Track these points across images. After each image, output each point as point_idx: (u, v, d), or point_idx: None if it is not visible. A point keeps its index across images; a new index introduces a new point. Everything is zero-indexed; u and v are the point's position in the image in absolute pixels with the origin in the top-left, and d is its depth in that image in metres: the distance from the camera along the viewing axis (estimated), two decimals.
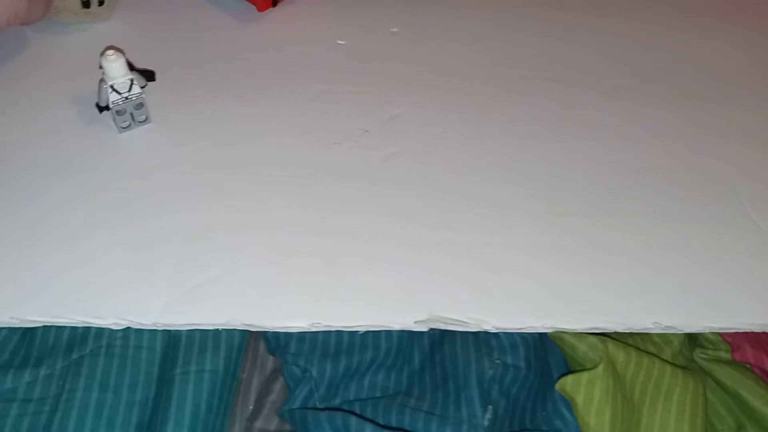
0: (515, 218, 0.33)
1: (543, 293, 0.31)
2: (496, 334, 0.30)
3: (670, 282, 0.31)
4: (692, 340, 0.32)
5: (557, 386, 0.28)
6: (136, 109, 0.35)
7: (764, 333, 0.31)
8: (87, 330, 0.30)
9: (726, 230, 0.34)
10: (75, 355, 0.29)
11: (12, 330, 0.30)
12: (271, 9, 0.43)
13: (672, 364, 0.30)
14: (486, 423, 0.27)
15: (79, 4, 0.39)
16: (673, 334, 0.31)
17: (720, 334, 0.31)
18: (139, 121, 0.36)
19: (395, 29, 0.43)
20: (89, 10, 0.40)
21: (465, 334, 0.30)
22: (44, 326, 0.30)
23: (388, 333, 0.31)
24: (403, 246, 0.32)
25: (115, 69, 0.33)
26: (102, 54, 0.33)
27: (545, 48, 0.43)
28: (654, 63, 0.42)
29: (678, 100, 0.40)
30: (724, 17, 0.46)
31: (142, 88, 0.35)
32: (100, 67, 0.34)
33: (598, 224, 0.33)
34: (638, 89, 0.40)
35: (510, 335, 0.30)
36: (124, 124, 0.35)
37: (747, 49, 0.44)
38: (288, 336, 0.31)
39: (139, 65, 0.38)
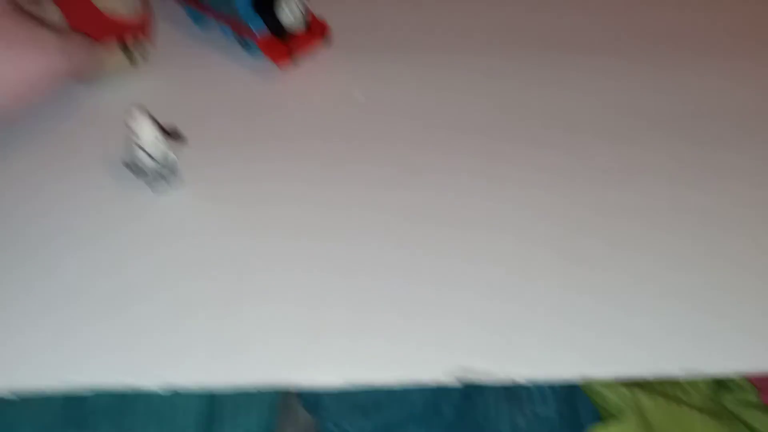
0: (528, 266, 0.34)
1: (571, 342, 0.31)
2: (526, 386, 0.30)
3: (693, 326, 0.32)
4: (720, 384, 0.32)
5: None
6: (168, 170, 0.36)
7: None
8: (126, 394, 0.30)
9: (743, 272, 0.34)
10: (116, 418, 0.30)
11: (53, 396, 0.31)
12: (290, 65, 0.44)
13: (701, 410, 0.30)
14: None
15: (123, 59, 0.41)
16: (701, 379, 0.31)
17: (747, 377, 0.31)
18: (170, 182, 0.37)
19: (413, 83, 0.44)
20: (131, 64, 0.41)
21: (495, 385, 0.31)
22: (87, 391, 0.31)
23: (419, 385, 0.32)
24: (430, 297, 0.33)
25: (146, 132, 0.34)
26: (132, 116, 0.34)
27: (548, 95, 0.43)
28: (657, 106, 0.43)
29: (681, 142, 0.41)
30: (730, 56, 0.46)
31: (172, 149, 0.36)
32: (131, 129, 0.35)
33: (616, 270, 0.34)
34: (640, 133, 0.41)
35: (540, 386, 0.30)
36: (156, 185, 0.36)
37: (757, 89, 0.44)
38: (321, 391, 0.31)
39: (162, 122, 0.39)
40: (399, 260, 0.34)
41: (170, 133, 0.37)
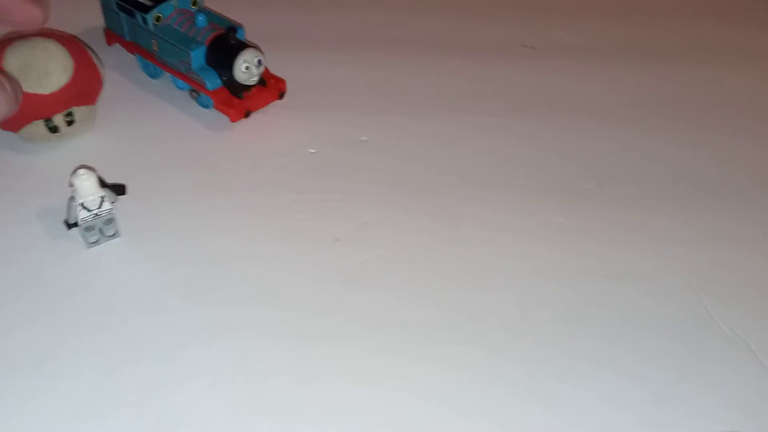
0: (489, 327, 0.34)
1: (524, 408, 0.30)
2: None
3: (648, 391, 0.32)
4: None
5: None
6: (106, 225, 0.35)
7: None
8: None
9: (695, 335, 0.34)
10: None
11: None
12: (243, 119, 0.44)
13: None
14: None
15: (46, 131, 0.40)
16: None
17: None
18: (108, 236, 0.36)
19: (365, 137, 0.45)
20: (59, 133, 0.40)
21: None
22: None
23: None
24: (378, 360, 0.32)
25: (86, 187, 0.33)
26: (73, 172, 0.33)
27: (507, 155, 0.44)
28: (616, 167, 0.44)
29: (641, 203, 0.41)
30: (686, 119, 0.48)
31: (112, 203, 0.35)
32: (71, 185, 0.34)
33: (571, 332, 0.34)
34: (604, 192, 0.42)
35: None
36: (92, 239, 0.35)
37: (716, 151, 0.46)
38: None
39: (110, 176, 0.38)
40: (346, 317, 0.33)
41: (113, 187, 0.36)
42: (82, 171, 0.33)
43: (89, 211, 0.34)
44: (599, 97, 0.50)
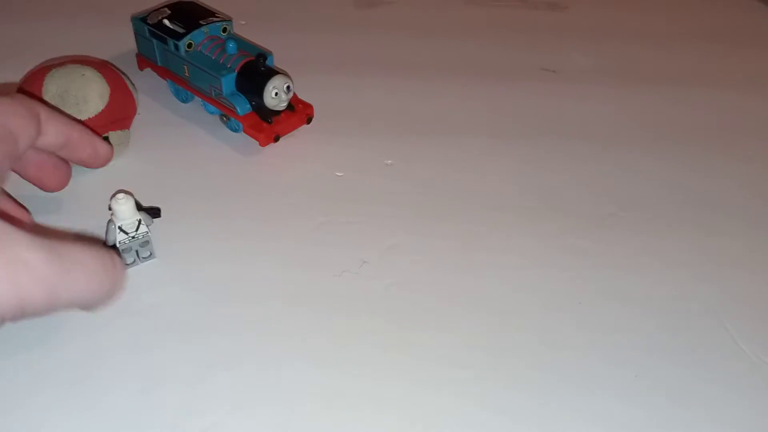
0: (510, 352, 0.34)
1: (535, 427, 0.31)
2: None
3: (659, 417, 0.32)
4: None
5: None
6: (141, 247, 0.36)
7: None
8: None
9: (718, 361, 0.35)
10: None
11: None
12: (272, 143, 0.45)
13: None
14: None
15: None
16: None
17: None
18: (143, 257, 0.37)
19: (390, 161, 0.45)
20: None
21: None
22: None
23: None
24: (405, 383, 0.32)
25: (124, 211, 0.34)
26: (112, 197, 0.35)
27: (531, 179, 0.45)
28: (635, 192, 0.45)
29: (662, 228, 0.42)
30: (704, 144, 0.49)
31: (148, 226, 0.36)
32: (110, 209, 0.35)
33: (592, 358, 0.34)
34: (622, 218, 0.42)
35: None
36: (129, 261, 0.36)
37: (734, 176, 0.46)
38: None
39: (144, 199, 0.39)
40: (374, 340, 0.34)
41: (148, 211, 0.37)
42: (120, 195, 0.34)
43: (126, 233, 0.35)
44: (618, 121, 0.51)
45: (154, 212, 0.38)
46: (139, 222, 0.35)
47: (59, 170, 0.37)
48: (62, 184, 0.38)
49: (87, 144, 0.35)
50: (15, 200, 0.35)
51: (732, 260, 0.40)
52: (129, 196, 0.35)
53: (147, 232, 0.36)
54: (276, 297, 0.36)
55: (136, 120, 0.45)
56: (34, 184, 0.37)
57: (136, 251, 0.36)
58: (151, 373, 0.32)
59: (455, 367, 0.33)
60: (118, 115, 0.42)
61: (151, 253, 0.37)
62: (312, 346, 0.34)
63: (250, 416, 0.31)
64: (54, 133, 0.33)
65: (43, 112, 0.32)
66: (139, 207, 0.36)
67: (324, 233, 0.40)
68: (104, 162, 0.38)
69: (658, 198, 0.44)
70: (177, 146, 0.45)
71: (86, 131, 0.36)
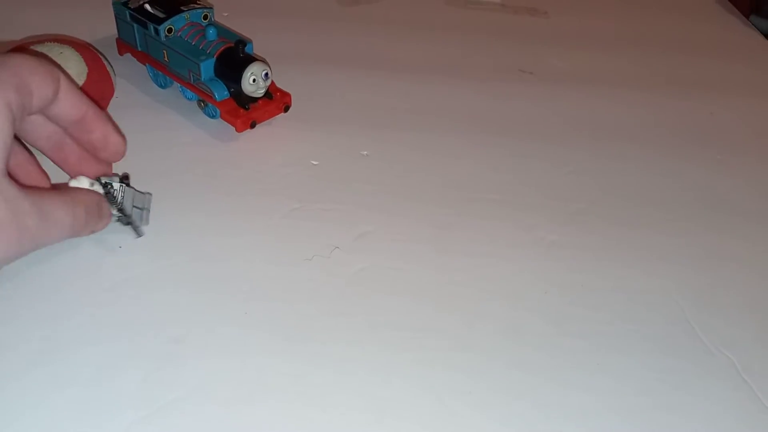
0: (481, 335, 0.35)
1: (515, 411, 0.31)
2: None
3: (634, 400, 0.32)
4: None
5: None
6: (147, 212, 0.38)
7: None
8: None
9: (679, 350, 0.35)
10: None
11: None
12: (248, 130, 0.45)
13: None
14: None
15: None
16: None
17: None
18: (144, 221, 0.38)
19: (366, 152, 0.46)
20: None
21: None
22: None
23: None
24: (372, 362, 0.33)
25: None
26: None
27: (503, 173, 0.46)
28: (607, 185, 0.46)
29: (631, 221, 0.43)
30: (675, 143, 0.50)
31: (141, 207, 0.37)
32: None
33: (559, 341, 0.35)
34: (591, 213, 0.43)
35: None
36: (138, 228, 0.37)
37: (702, 173, 0.48)
38: None
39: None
40: (342, 322, 0.34)
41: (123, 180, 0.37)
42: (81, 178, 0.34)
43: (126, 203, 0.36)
44: (591, 119, 0.52)
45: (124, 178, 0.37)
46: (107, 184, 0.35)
47: (74, 147, 0.36)
48: (80, 162, 0.36)
49: (100, 126, 0.34)
50: (23, 145, 0.35)
51: (700, 253, 0.41)
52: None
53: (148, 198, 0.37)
54: (245, 279, 0.36)
55: (115, 103, 0.45)
56: (50, 157, 0.36)
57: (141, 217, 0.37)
58: (117, 349, 0.32)
59: (422, 351, 0.34)
60: (95, 95, 0.42)
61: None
62: (282, 323, 0.34)
63: (219, 388, 0.31)
64: (70, 103, 0.32)
65: (64, 80, 0.32)
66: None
67: (296, 219, 0.40)
68: (113, 154, 0.36)
69: (631, 192, 0.45)
70: (154, 130, 0.45)
71: (103, 114, 0.35)
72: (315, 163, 0.44)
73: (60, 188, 0.33)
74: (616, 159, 0.48)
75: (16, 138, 0.33)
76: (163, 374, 0.31)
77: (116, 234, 0.37)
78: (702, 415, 0.32)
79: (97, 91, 0.42)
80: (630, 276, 0.39)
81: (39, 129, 0.34)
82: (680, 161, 0.49)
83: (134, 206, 0.37)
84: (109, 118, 0.36)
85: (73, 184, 0.34)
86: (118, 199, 0.35)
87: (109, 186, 0.35)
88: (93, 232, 0.35)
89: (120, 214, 0.36)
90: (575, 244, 0.41)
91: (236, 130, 0.45)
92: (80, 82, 0.41)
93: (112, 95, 0.44)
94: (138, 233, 0.37)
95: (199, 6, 0.47)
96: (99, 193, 0.35)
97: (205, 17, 0.47)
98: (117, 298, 0.34)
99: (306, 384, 0.31)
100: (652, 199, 0.45)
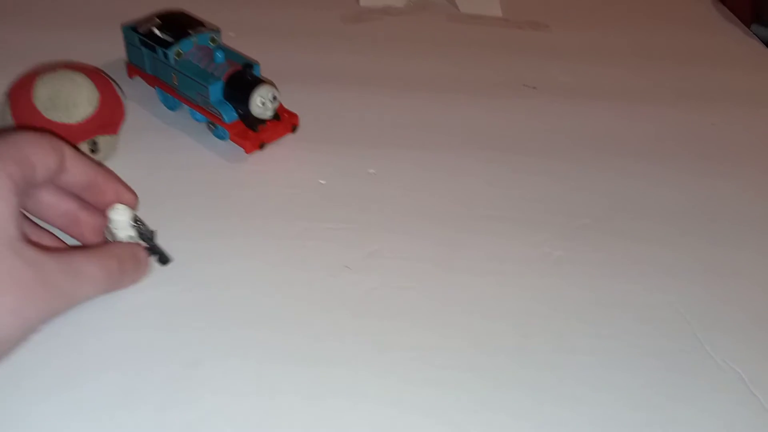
0: (489, 353, 0.35)
1: (512, 430, 0.32)
2: None
3: (642, 417, 0.33)
4: None
5: None
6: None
7: None
8: None
9: (687, 365, 0.36)
10: None
11: None
12: (257, 151, 0.46)
13: None
14: None
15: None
16: None
17: None
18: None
19: (372, 170, 0.47)
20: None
21: None
22: None
23: None
24: (382, 382, 0.33)
25: (119, 222, 0.35)
26: (112, 208, 0.35)
27: (508, 189, 0.46)
28: (609, 203, 0.46)
29: (637, 236, 0.43)
30: (672, 159, 0.51)
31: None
32: (109, 218, 0.35)
33: (567, 358, 0.35)
34: (596, 228, 0.44)
35: None
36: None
37: (701, 190, 0.48)
38: None
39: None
40: (355, 341, 0.35)
41: (157, 250, 0.38)
42: (121, 208, 0.35)
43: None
44: (594, 133, 0.53)
45: (162, 258, 0.38)
46: (137, 231, 0.36)
47: (89, 220, 0.37)
48: (97, 234, 0.37)
49: (111, 187, 0.36)
50: (38, 225, 0.36)
51: (706, 269, 0.42)
52: (127, 209, 0.35)
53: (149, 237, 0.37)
54: (257, 301, 0.37)
55: (125, 126, 0.45)
56: (68, 233, 0.37)
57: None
58: (135, 372, 0.32)
59: (433, 370, 0.34)
60: (106, 120, 0.43)
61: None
62: (292, 344, 0.34)
63: (233, 410, 0.31)
64: (78, 172, 0.34)
65: (68, 151, 0.33)
66: (149, 236, 0.37)
67: (306, 239, 0.41)
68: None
69: (636, 208, 0.46)
70: (164, 152, 0.46)
71: (112, 175, 0.36)
72: (323, 182, 0.45)
73: (94, 246, 0.34)
74: (620, 173, 0.49)
75: (31, 219, 0.35)
76: (180, 399, 0.32)
77: None
78: (711, 430, 0.33)
79: (109, 116, 0.43)
80: (636, 291, 0.40)
81: (54, 207, 0.35)
82: (684, 173, 0.50)
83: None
84: (117, 178, 0.37)
85: (112, 213, 0.35)
86: (148, 234, 0.36)
87: (140, 221, 0.36)
88: (134, 282, 0.35)
89: (148, 245, 0.36)
90: (581, 260, 0.41)
91: (245, 152, 0.46)
92: (92, 108, 0.42)
93: (123, 119, 0.45)
94: (166, 259, 0.37)
95: (206, 29, 0.48)
96: (133, 243, 0.35)
97: (213, 40, 0.48)
98: (132, 323, 0.35)
99: (319, 407, 0.32)
100: (657, 212, 0.46)
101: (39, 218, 0.36)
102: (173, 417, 0.31)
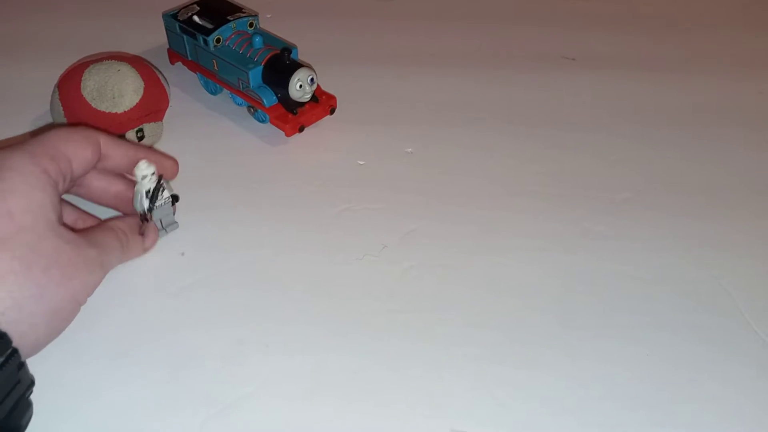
0: (527, 331, 0.36)
1: (554, 406, 0.32)
2: None
3: (669, 393, 0.33)
4: None
5: None
6: (165, 217, 0.39)
7: None
8: None
9: (730, 340, 0.35)
10: None
11: None
12: (297, 134, 0.47)
13: None
14: None
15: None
16: None
17: None
18: (168, 225, 0.39)
19: (410, 149, 0.47)
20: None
21: None
22: None
23: None
24: (424, 361, 0.34)
25: (145, 175, 0.37)
26: (137, 165, 0.37)
27: (547, 165, 0.46)
28: (650, 176, 0.45)
29: (679, 210, 0.43)
30: (716, 130, 0.49)
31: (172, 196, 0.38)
32: (135, 174, 0.37)
33: (609, 334, 0.35)
34: (638, 203, 0.43)
35: None
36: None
37: (746, 162, 0.47)
38: None
39: (177, 187, 0.41)
40: (392, 320, 0.36)
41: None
42: (144, 165, 0.36)
43: (152, 204, 0.37)
44: (635, 105, 0.52)
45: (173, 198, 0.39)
46: (161, 188, 0.37)
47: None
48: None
49: (153, 161, 0.38)
50: (86, 212, 0.39)
51: (749, 242, 0.41)
52: (150, 166, 0.37)
53: (169, 198, 0.38)
54: (299, 280, 0.38)
55: (169, 111, 0.47)
56: (122, 212, 0.39)
57: (161, 221, 0.39)
58: (186, 350, 0.34)
59: (473, 346, 0.35)
60: (151, 108, 0.44)
61: (174, 222, 0.39)
62: (334, 327, 0.36)
63: (277, 394, 0.33)
64: (119, 155, 0.36)
65: (104, 139, 0.36)
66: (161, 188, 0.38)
67: (346, 219, 0.42)
68: (171, 176, 0.40)
69: (671, 182, 0.45)
70: (207, 137, 0.48)
71: (150, 150, 0.38)
72: (361, 162, 0.46)
73: (101, 222, 0.38)
74: (661, 146, 0.48)
75: (71, 204, 0.38)
76: (230, 373, 0.33)
77: (178, 242, 0.39)
78: (757, 407, 0.33)
79: (154, 104, 0.44)
80: (679, 265, 0.39)
81: (105, 191, 0.38)
82: (727, 145, 0.48)
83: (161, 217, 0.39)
84: (158, 152, 0.39)
85: (135, 168, 0.37)
86: (157, 196, 0.37)
87: (161, 178, 0.37)
88: (146, 251, 0.38)
89: (150, 206, 0.37)
90: (623, 235, 0.41)
91: (285, 135, 0.46)
92: (138, 97, 0.43)
93: (167, 106, 0.46)
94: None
95: (244, 15, 0.49)
96: (133, 217, 0.38)
97: (251, 25, 0.49)
98: (183, 302, 0.36)
99: (362, 380, 0.33)
100: (699, 185, 0.45)
101: (94, 203, 0.38)
102: (226, 391, 0.32)
